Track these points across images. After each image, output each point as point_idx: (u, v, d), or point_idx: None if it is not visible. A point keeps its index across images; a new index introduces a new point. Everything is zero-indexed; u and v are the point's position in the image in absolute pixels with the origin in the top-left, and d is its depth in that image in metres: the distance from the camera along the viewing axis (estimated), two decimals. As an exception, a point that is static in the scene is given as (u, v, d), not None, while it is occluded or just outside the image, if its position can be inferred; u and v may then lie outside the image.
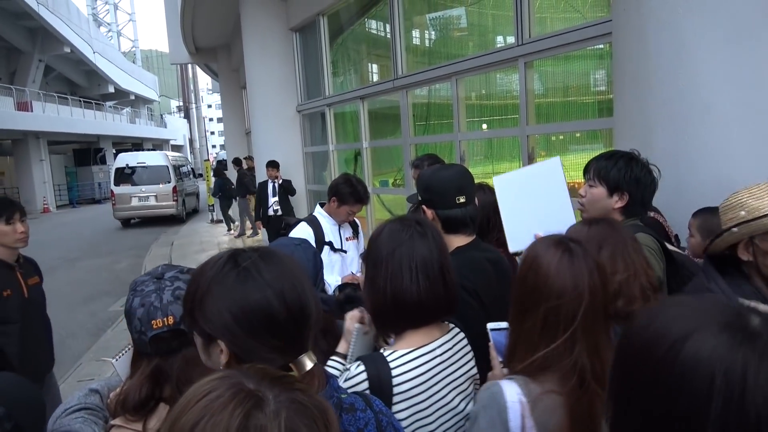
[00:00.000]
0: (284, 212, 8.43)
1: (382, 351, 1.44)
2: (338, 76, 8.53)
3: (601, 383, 1.17)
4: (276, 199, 8.48)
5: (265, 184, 8.59)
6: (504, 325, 1.50)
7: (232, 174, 13.77)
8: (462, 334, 1.56)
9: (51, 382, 3.28)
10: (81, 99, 30.47)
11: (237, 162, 13.62)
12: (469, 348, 1.55)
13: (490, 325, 1.51)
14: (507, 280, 1.98)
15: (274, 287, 0.97)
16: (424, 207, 1.99)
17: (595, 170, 2.05)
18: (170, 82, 54.34)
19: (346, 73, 8.62)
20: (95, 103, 32.11)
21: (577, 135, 4.75)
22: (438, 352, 1.46)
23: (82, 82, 34.55)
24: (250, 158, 12.18)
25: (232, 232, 13.56)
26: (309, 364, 0.97)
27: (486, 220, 2.40)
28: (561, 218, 2.08)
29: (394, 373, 1.37)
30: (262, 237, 9.95)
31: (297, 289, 0.99)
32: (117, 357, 1.30)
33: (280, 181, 8.48)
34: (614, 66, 3.25)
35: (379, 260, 1.46)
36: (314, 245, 3.19)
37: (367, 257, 1.52)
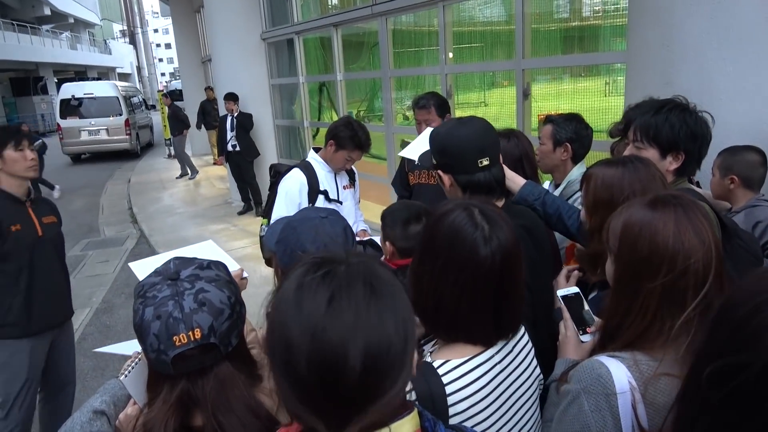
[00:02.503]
0: (242, 148, 7.96)
1: (430, 360, 1.17)
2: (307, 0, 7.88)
3: None
4: (234, 133, 7.97)
5: (224, 118, 8.07)
6: (574, 290, 1.44)
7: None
8: (522, 329, 1.31)
9: (66, 336, 3.05)
10: (13, 22, 27.82)
11: (173, 95, 12.80)
12: (531, 345, 1.32)
13: (560, 292, 1.43)
14: (546, 249, 1.76)
15: (295, 332, 0.70)
16: (440, 172, 1.70)
17: (641, 131, 1.73)
18: (112, 3, 50.13)
19: (315, -3, 7.96)
20: (30, 27, 29.43)
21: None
22: (497, 358, 1.21)
23: (14, 3, 31.33)
24: (210, 89, 11.44)
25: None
26: None
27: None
28: None
29: (448, 389, 1.12)
30: (226, 171, 9.47)
31: (334, 347, 0.68)
32: (125, 373, 1.04)
33: (236, 114, 7.92)
34: (632, -11, 2.96)
35: (427, 253, 1.20)
36: (307, 194, 2.94)
37: (419, 241, 1.25)
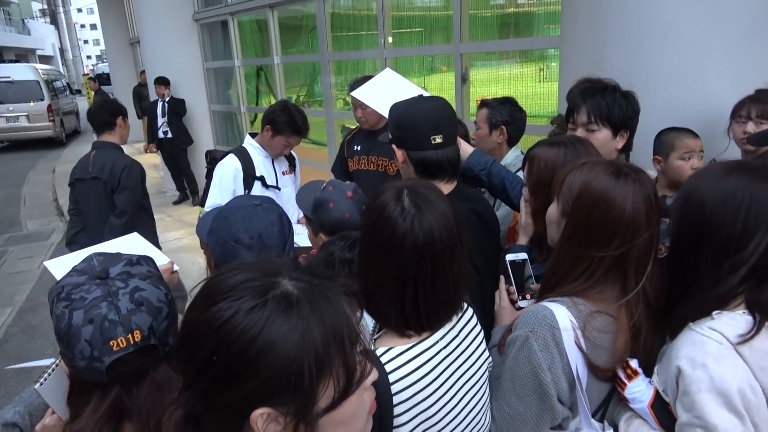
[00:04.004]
0: (174, 135, 7.62)
1: (374, 347, 1.13)
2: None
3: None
4: (165, 119, 7.61)
5: (155, 103, 7.67)
6: (523, 255, 1.47)
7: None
8: (470, 311, 1.27)
9: None
10: None
11: (100, 79, 12.09)
12: (479, 328, 1.29)
13: (509, 257, 1.46)
14: (496, 233, 1.78)
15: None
16: (394, 146, 1.69)
17: (594, 113, 1.80)
18: (29, -20, 46.72)
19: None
20: (-65, 4, 27.10)
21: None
22: (442, 344, 1.16)
23: None
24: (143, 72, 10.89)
25: None
26: None
27: None
28: None
29: (392, 377, 1.08)
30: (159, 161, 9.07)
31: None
32: (41, 381, 0.95)
33: (167, 99, 7.55)
34: (564, -25, 3.01)
35: (362, 239, 1.18)
36: (242, 180, 2.84)
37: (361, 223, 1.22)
